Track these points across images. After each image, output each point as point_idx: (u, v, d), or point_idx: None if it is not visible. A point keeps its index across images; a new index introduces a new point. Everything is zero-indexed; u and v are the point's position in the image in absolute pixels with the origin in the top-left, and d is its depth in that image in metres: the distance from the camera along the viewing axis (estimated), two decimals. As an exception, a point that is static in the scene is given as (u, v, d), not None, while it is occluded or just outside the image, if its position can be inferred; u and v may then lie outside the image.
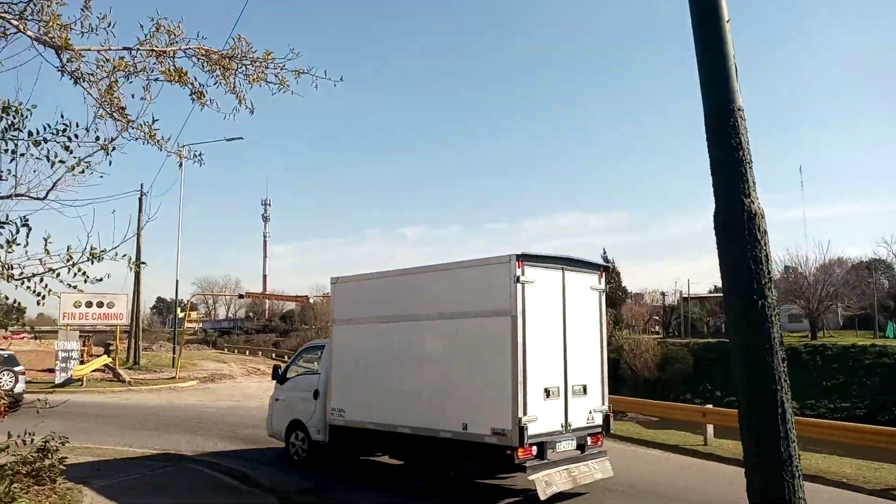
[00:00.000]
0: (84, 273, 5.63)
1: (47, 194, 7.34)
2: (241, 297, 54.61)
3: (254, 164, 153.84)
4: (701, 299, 72.40)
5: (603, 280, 10.94)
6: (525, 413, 9.08)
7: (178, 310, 45.78)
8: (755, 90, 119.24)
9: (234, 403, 23.52)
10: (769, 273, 3.73)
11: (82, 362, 31.46)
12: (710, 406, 17.35)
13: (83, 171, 5.82)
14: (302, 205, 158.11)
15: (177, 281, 45.20)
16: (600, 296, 10.82)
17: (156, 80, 5.74)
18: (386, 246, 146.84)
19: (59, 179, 7.37)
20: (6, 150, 5.39)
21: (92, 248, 5.63)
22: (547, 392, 9.58)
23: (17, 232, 5.54)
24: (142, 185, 39.00)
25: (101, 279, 5.77)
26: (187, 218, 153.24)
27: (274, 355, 54.65)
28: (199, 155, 6.20)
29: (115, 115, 5.80)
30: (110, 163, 5.89)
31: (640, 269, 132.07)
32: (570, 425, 9.89)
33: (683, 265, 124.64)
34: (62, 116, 5.36)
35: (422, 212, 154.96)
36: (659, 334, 70.59)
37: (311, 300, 62.10)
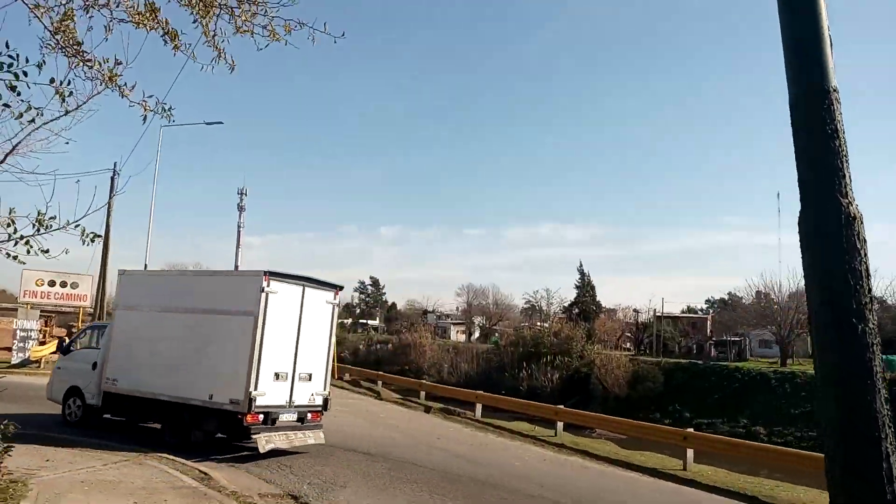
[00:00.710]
0: (27, 242, 4.92)
1: (5, 158, 6.62)
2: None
3: (232, 150, 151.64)
4: (674, 318, 72.71)
5: (338, 297, 14.09)
6: (255, 388, 11.96)
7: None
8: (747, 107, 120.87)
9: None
10: (870, 291, 2.95)
11: (42, 343, 30.20)
12: (691, 430, 16.90)
13: (33, 121, 5.04)
14: (279, 196, 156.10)
15: (145, 265, 43.57)
16: (334, 308, 13.94)
17: (121, 21, 4.85)
18: (362, 244, 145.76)
19: (18, 142, 6.67)
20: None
21: (39, 214, 4.89)
22: (277, 375, 12.49)
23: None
24: (115, 163, 37.61)
25: (47, 250, 5.07)
26: (161, 203, 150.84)
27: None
28: (169, 109, 5.41)
29: (68, 50, 4.91)
30: (66, 111, 5.11)
31: (613, 283, 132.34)
32: (293, 402, 12.80)
33: (658, 283, 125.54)
34: (7, 46, 4.51)
35: (402, 212, 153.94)
36: (630, 351, 70.85)
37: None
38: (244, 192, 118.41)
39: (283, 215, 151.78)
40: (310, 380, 13.13)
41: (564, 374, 47.58)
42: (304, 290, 13.08)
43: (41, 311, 34.48)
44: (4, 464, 8.59)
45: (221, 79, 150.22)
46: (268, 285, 12.16)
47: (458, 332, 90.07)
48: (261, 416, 12.05)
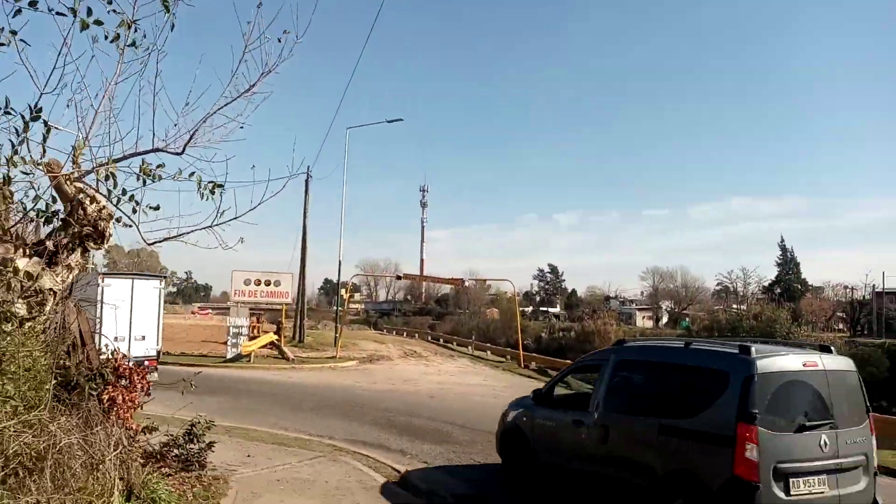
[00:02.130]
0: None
1: (184, 148, 6.57)
2: (398, 278, 55.38)
3: (411, 146, 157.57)
4: (898, 294, 64.22)
5: (162, 283, 20.71)
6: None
7: (342, 291, 46.77)
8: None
9: (390, 387, 23.03)
10: None
11: (252, 338, 32.54)
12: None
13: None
14: (458, 189, 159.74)
15: (339, 262, 46.01)
16: (160, 291, 19.88)
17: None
18: (539, 232, 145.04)
19: (195, 130, 6.60)
20: None
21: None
22: (116, 338, 15.85)
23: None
24: (308, 167, 39.89)
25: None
26: (350, 202, 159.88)
27: (430, 338, 54.84)
28: None
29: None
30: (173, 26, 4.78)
31: (817, 259, 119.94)
32: (131, 355, 17.37)
33: (874, 256, 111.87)
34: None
35: (578, 196, 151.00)
36: (844, 333, 63.91)
37: (467, 283, 61.73)
38: (426, 188, 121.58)
39: (465, 209, 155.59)
40: (144, 339, 18.87)
41: (769, 359, 43.64)
42: (133, 281, 19.34)
43: (250, 310, 37.48)
44: (210, 460, 8.84)
45: (401, 73, 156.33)
46: (102, 281, 17.82)
47: (643, 317, 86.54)
48: None
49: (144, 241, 6.17)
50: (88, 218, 6.63)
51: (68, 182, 6.36)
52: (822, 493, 6.80)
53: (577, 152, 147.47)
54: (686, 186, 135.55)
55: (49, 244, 6.46)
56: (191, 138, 6.24)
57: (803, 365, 7.20)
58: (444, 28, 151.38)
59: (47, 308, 6.52)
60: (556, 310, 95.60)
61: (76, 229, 6.58)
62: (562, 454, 8.71)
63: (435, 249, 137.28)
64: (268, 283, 37.23)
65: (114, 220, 6.79)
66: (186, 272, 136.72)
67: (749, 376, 6.82)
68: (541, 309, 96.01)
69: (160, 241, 6.13)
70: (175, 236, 5.91)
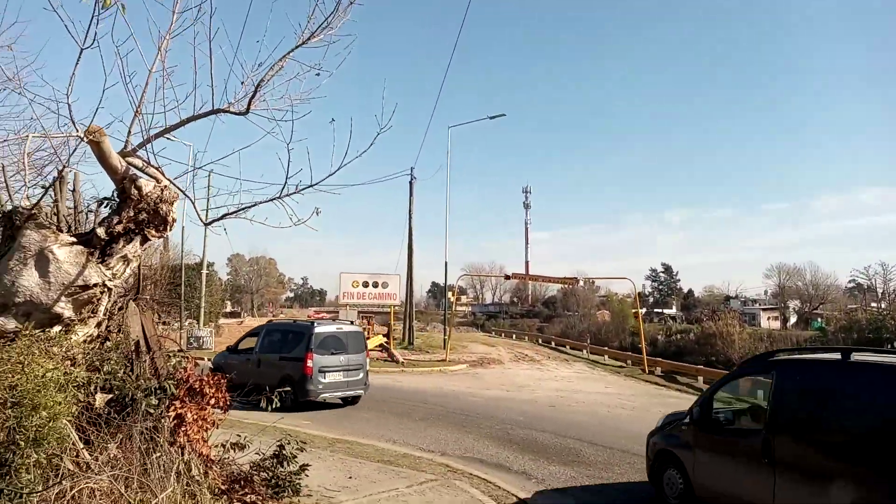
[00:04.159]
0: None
1: (249, 106, 5.27)
2: (507, 277, 53.49)
3: (512, 145, 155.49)
4: None
5: None
6: None
7: (450, 293, 45.66)
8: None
9: (504, 394, 21.42)
10: None
11: (360, 341, 31.88)
12: None
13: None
14: (562, 190, 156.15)
15: (445, 263, 44.65)
16: None
17: None
18: (647, 232, 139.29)
19: (259, 82, 5.27)
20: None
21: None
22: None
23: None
24: (412, 168, 39.05)
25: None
26: (452, 203, 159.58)
27: (540, 340, 52.76)
28: None
29: None
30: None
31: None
32: None
33: None
34: None
35: (688, 193, 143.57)
36: None
37: (581, 283, 59.02)
38: (528, 189, 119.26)
39: (568, 209, 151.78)
40: None
41: (920, 363, 38.63)
42: None
43: (359, 312, 37.04)
44: (305, 483, 7.59)
45: (501, 67, 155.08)
46: None
47: (768, 318, 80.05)
48: None
49: (201, 219, 4.96)
50: (146, 200, 5.44)
51: (118, 155, 5.20)
52: (339, 379, 16.27)
53: (686, 147, 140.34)
54: (808, 178, 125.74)
55: (100, 231, 5.34)
56: (255, 92, 4.91)
57: (336, 329, 17.10)
58: (543, 19, 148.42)
59: (101, 308, 5.40)
60: (672, 311, 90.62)
61: (131, 213, 5.43)
62: (239, 374, 14.43)
63: (539, 251, 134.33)
64: (375, 285, 36.70)
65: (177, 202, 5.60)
66: (303, 278, 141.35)
67: (311, 333, 16.21)
68: (655, 310, 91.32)
69: (218, 220, 4.89)
70: (234, 212, 4.62)
